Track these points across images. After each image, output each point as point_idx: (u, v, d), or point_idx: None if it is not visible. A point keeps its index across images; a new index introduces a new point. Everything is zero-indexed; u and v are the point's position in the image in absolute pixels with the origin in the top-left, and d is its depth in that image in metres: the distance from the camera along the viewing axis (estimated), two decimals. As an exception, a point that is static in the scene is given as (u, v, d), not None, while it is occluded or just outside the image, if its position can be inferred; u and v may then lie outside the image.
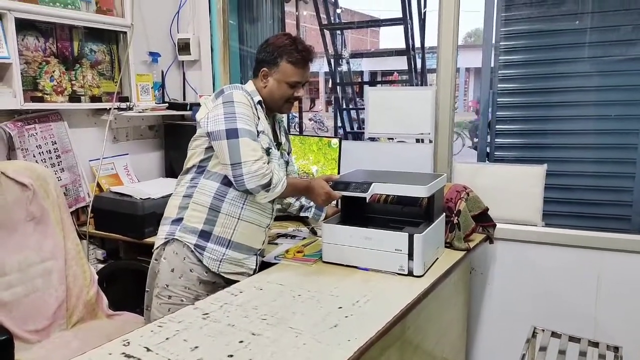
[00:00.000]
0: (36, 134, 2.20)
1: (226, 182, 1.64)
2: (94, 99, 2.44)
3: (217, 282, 1.66)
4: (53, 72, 2.26)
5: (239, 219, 1.66)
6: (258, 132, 1.63)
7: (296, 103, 1.84)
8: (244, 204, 1.67)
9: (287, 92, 1.71)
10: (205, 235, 1.64)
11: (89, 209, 2.37)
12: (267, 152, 1.65)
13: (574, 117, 2.35)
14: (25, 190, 1.90)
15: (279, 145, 1.80)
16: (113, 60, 2.56)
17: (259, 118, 1.66)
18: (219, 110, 1.59)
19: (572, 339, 1.88)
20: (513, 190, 2.23)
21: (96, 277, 2.10)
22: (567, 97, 2.35)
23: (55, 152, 2.29)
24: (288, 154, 1.90)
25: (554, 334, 1.90)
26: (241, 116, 1.58)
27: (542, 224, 2.21)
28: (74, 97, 2.35)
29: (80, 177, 2.40)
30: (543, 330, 1.94)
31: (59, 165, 2.30)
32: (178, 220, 1.66)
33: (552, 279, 2.19)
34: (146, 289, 1.74)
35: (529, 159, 2.38)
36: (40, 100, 2.21)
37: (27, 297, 1.85)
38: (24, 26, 2.14)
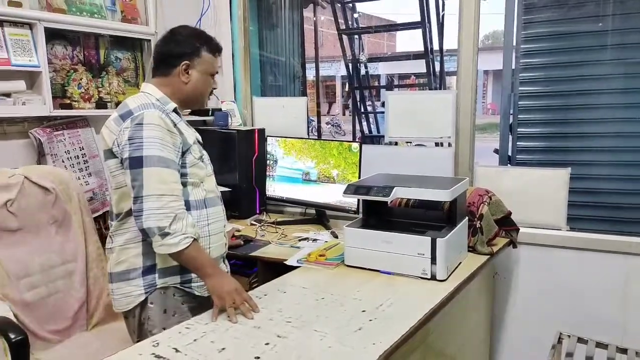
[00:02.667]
0: (64, 139, 2.26)
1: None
2: (119, 105, 2.50)
3: (204, 305, 1.52)
4: (80, 79, 2.32)
5: (209, 235, 1.55)
6: (188, 147, 1.48)
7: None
8: (207, 219, 1.54)
9: (211, 85, 1.59)
10: (186, 268, 1.50)
11: (115, 213, 2.42)
12: (202, 159, 1.55)
13: (598, 120, 2.32)
14: (48, 194, 1.96)
15: None
16: (137, 67, 2.61)
17: (181, 133, 1.47)
18: (125, 136, 1.41)
19: (599, 345, 1.84)
20: (536, 194, 2.20)
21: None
22: (590, 100, 2.32)
23: (82, 157, 2.34)
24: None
25: (580, 340, 1.87)
26: (151, 141, 1.38)
27: (567, 228, 2.18)
28: (101, 104, 2.41)
29: (106, 181, 2.45)
30: (569, 336, 1.91)
31: (86, 170, 2.36)
32: (151, 268, 1.49)
33: (578, 283, 2.15)
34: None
35: (551, 162, 2.36)
36: (69, 107, 2.27)
37: (49, 297, 1.91)
38: (53, 35, 2.20)
